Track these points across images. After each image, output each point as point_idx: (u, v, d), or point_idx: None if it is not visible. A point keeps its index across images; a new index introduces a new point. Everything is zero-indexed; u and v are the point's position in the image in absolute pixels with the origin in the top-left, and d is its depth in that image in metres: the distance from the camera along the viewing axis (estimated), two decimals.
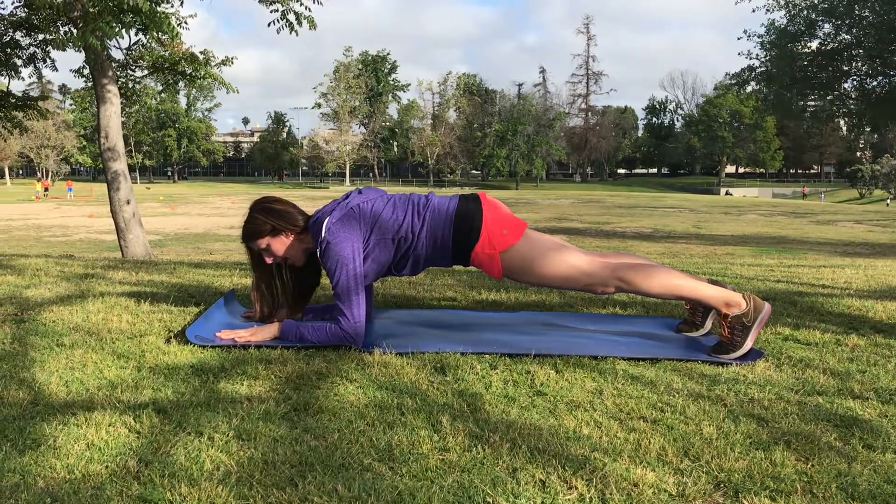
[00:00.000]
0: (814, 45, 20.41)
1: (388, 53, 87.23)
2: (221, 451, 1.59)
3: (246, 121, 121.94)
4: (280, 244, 2.70)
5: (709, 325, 2.75)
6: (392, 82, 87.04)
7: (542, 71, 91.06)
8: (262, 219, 2.69)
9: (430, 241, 2.61)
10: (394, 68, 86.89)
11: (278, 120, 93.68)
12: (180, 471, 1.49)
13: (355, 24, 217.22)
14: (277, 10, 8.37)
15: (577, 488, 1.43)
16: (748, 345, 2.40)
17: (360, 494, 1.39)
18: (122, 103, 9.11)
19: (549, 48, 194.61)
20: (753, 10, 20.96)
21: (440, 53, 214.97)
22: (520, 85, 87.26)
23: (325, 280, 2.78)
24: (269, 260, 2.74)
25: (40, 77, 11.69)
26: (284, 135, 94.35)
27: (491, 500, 1.38)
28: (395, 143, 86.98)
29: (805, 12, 19.83)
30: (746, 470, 1.52)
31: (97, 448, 1.61)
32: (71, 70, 10.75)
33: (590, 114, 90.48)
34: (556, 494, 1.41)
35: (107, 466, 1.52)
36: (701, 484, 1.46)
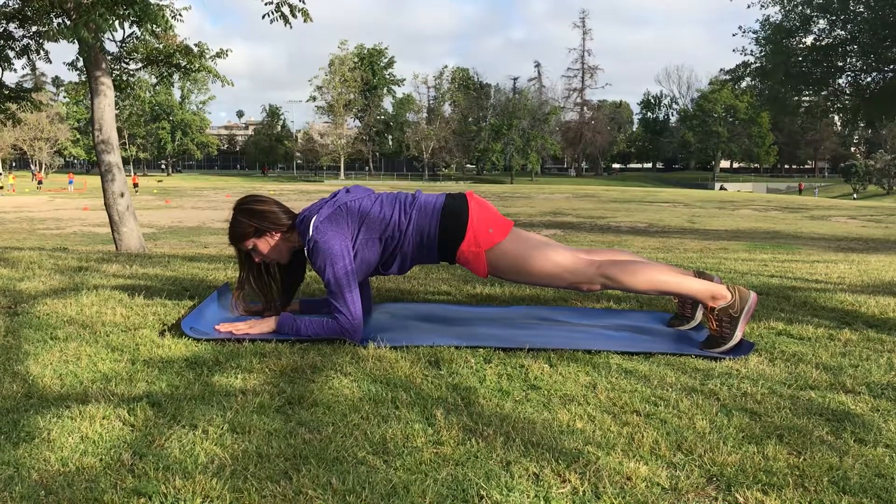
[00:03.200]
0: (808, 40, 20.45)
1: (386, 48, 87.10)
2: (216, 444, 1.59)
3: (240, 114, 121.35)
4: (265, 244, 2.70)
5: (699, 316, 2.76)
6: (388, 76, 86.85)
7: (538, 65, 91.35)
8: (246, 221, 2.68)
9: (417, 238, 2.62)
10: (390, 63, 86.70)
11: (273, 113, 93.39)
12: (175, 464, 1.50)
13: (342, 17, 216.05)
14: (272, 2, 8.33)
15: (570, 482, 1.43)
16: (738, 336, 2.41)
17: (354, 487, 1.39)
18: (115, 96, 9.08)
19: (536, 43, 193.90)
20: (748, 6, 20.94)
21: (428, 48, 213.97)
22: (515, 79, 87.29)
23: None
24: (256, 259, 2.75)
25: (34, 69, 11.64)
26: (279, 128, 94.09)
27: (485, 494, 1.38)
28: (391, 137, 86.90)
29: (800, 8, 19.87)
30: (739, 464, 1.53)
31: (91, 441, 1.61)
32: (65, 63, 10.70)
33: (585, 108, 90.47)
34: (549, 488, 1.41)
35: (101, 459, 1.52)
36: (693, 478, 1.47)
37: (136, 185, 44.23)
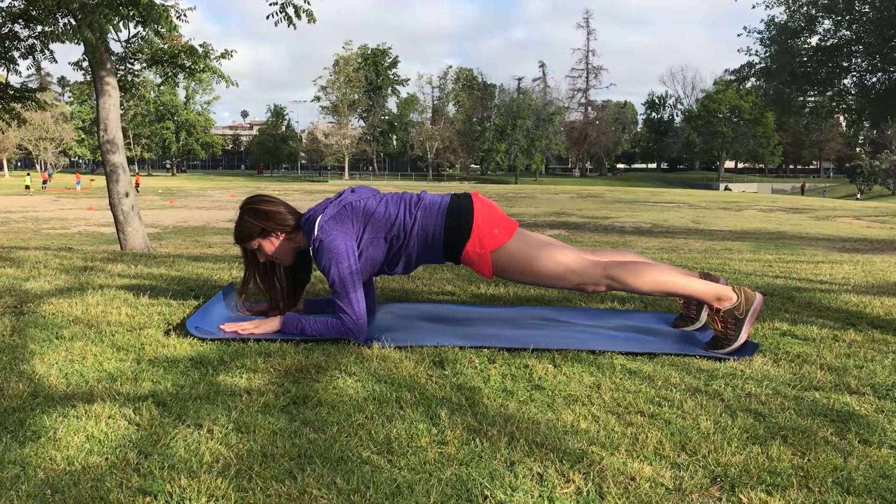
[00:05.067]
0: (813, 41, 20.43)
1: (390, 48, 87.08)
2: (221, 444, 1.60)
3: (245, 114, 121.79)
4: (270, 245, 2.71)
5: (704, 317, 2.76)
6: (392, 76, 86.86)
7: (542, 65, 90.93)
8: (252, 221, 2.69)
9: (422, 238, 2.62)
10: (394, 63, 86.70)
11: (277, 113, 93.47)
12: (180, 463, 1.50)
13: (342, 17, 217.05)
14: (276, 3, 8.34)
15: (574, 482, 1.44)
16: (742, 338, 2.41)
17: (358, 487, 1.40)
18: (120, 96, 9.09)
19: (535, 43, 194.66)
20: (753, 6, 20.91)
21: (428, 48, 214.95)
22: (519, 79, 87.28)
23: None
24: (261, 259, 2.75)
25: (39, 69, 11.68)
26: (284, 128, 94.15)
27: (489, 494, 1.38)
28: (395, 137, 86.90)
29: (805, 8, 19.84)
30: (743, 464, 1.53)
31: (97, 440, 1.62)
32: (70, 63, 10.73)
33: (589, 108, 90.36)
34: (553, 488, 1.41)
35: (107, 458, 1.53)
36: (698, 478, 1.47)
37: (137, 185, 44.31)
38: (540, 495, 1.39)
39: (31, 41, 10.03)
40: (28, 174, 48.53)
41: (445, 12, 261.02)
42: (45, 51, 10.25)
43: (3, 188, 46.02)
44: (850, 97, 21.41)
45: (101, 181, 42.52)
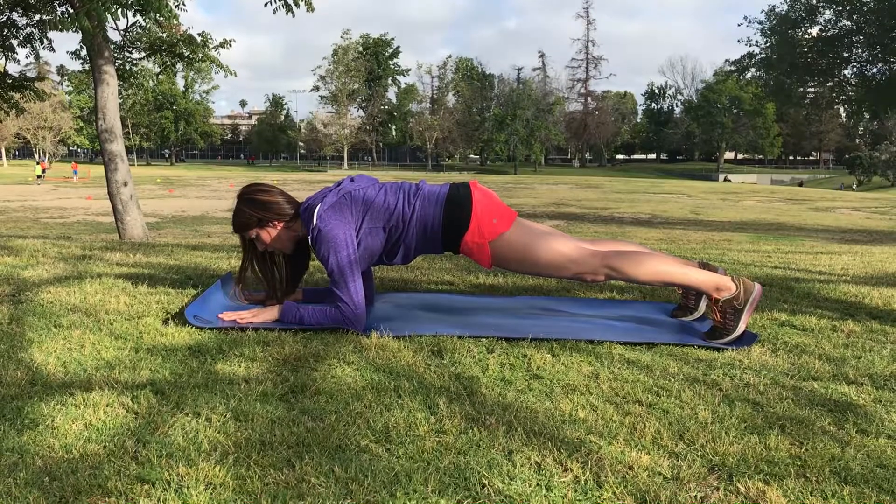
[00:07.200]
0: (814, 31, 20.42)
1: (393, 38, 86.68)
2: (219, 432, 1.60)
3: (244, 103, 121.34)
4: (268, 234, 2.70)
5: (703, 307, 2.76)
6: (393, 66, 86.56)
7: (542, 55, 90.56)
8: (249, 211, 2.68)
9: (420, 229, 2.61)
10: (395, 53, 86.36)
11: (276, 103, 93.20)
12: (178, 451, 1.50)
13: (336, 6, 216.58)
14: None
15: (572, 471, 1.44)
16: (741, 328, 2.41)
17: (356, 475, 1.40)
18: (119, 85, 9.06)
19: (529, 33, 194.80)
20: None
21: (422, 38, 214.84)
22: (519, 69, 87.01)
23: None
24: (260, 248, 2.75)
25: (37, 58, 11.59)
26: (282, 118, 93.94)
27: (487, 482, 1.39)
28: (394, 127, 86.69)
29: None
30: (741, 454, 1.53)
31: (95, 428, 1.62)
32: (68, 52, 10.67)
33: (589, 99, 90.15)
34: (551, 477, 1.42)
35: (104, 446, 1.53)
36: (695, 467, 1.47)
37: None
38: (538, 484, 1.39)
39: (29, 29, 9.97)
40: (37, 163, 48.58)
41: (438, 1, 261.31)
42: (44, 39, 10.20)
43: (4, 177, 45.92)
44: (850, 88, 21.43)
45: (98, 170, 42.46)
